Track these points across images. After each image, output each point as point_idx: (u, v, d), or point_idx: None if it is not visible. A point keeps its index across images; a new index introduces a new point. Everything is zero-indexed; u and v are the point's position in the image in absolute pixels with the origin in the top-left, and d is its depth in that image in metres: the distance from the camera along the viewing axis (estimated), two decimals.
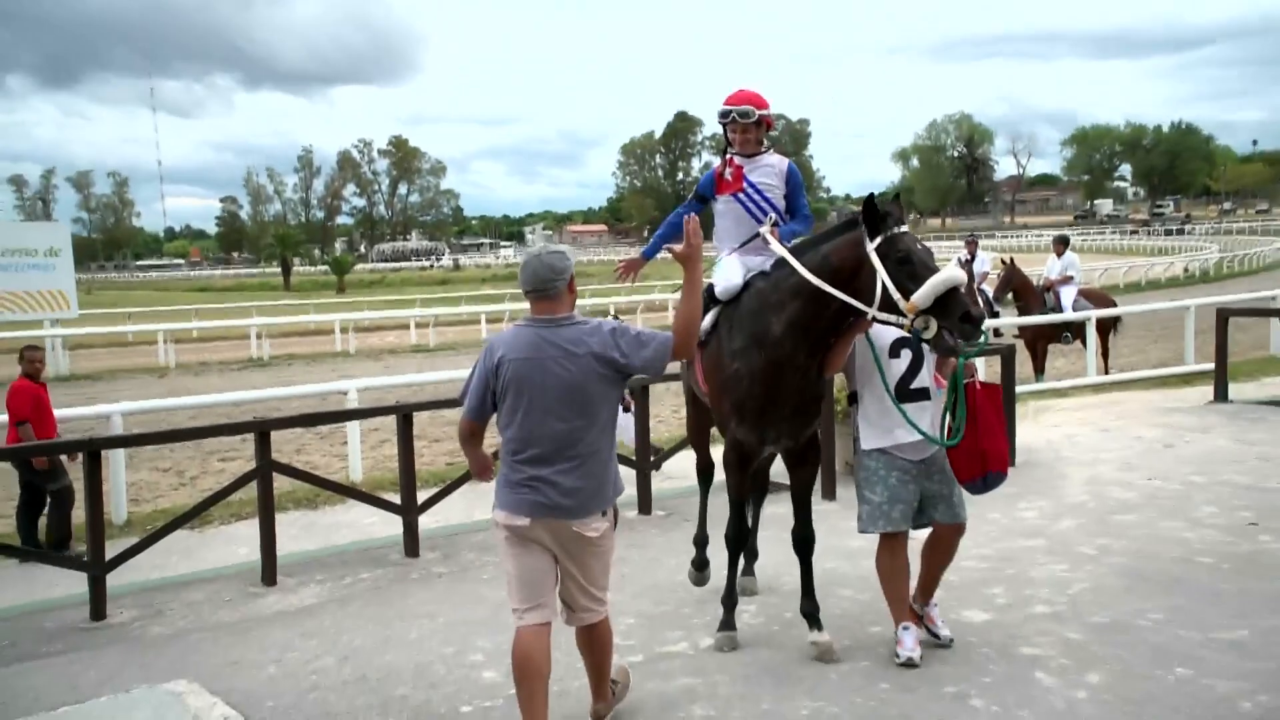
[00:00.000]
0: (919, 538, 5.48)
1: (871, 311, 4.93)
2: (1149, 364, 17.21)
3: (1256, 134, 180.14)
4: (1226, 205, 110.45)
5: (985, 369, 11.75)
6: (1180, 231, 76.16)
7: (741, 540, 5.68)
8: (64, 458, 8.53)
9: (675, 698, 5.03)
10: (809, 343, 5.18)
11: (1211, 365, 13.17)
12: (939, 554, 5.47)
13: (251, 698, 5.25)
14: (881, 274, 4.85)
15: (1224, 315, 13.23)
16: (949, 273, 4.81)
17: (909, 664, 5.24)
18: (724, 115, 5.74)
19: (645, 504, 8.64)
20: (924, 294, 4.72)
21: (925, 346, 5.14)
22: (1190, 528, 7.48)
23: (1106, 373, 15.71)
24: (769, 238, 5.52)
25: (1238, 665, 5.18)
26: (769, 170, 5.82)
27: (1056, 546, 7.12)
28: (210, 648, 6.03)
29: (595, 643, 4.61)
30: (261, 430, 7.38)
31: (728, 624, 5.63)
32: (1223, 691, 4.91)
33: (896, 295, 4.80)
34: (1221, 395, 12.65)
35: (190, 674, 5.53)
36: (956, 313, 4.71)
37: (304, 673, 5.54)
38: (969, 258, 16.96)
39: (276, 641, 6.04)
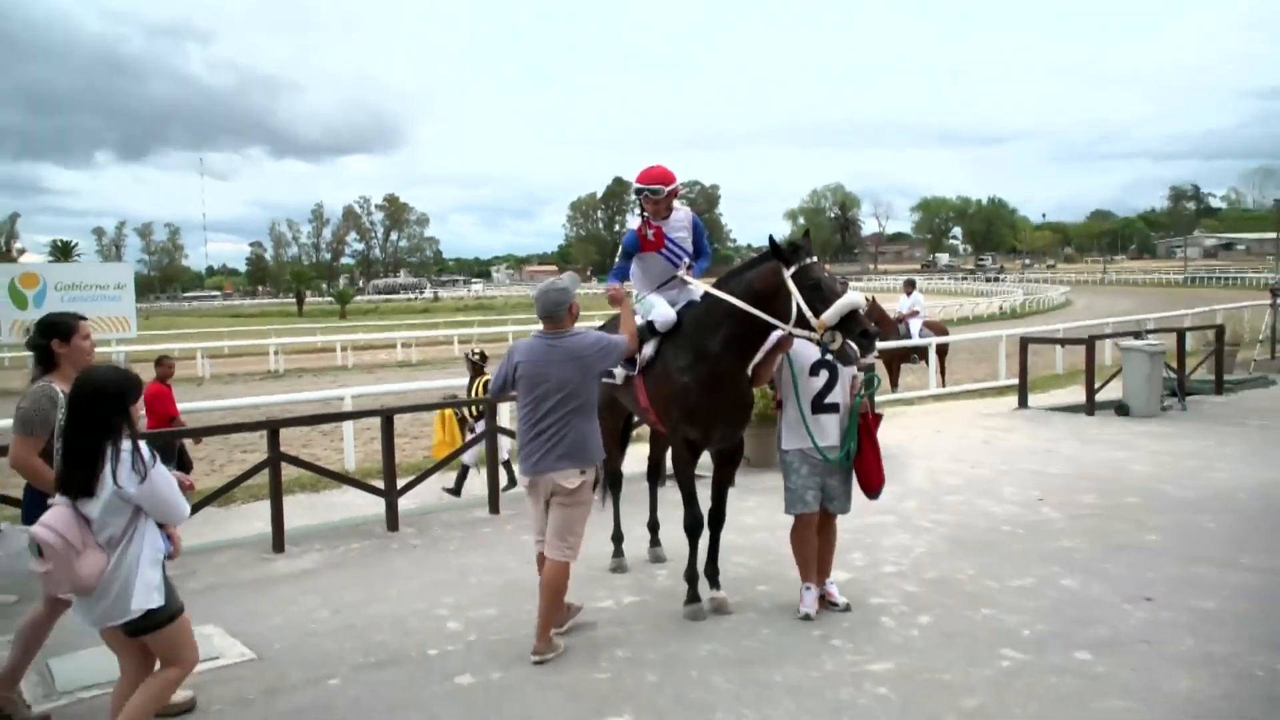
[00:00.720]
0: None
1: (788, 328, 4.89)
2: (973, 379, 17.57)
3: (1046, 209, 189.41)
4: (1026, 261, 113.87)
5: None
6: (996, 279, 78.14)
7: (698, 525, 5.38)
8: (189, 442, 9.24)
9: (601, 643, 5.02)
10: (741, 354, 5.14)
11: (1016, 381, 13.54)
12: (825, 538, 5.41)
13: (263, 640, 5.16)
14: (796, 297, 4.81)
15: (1025, 342, 13.63)
16: (851, 297, 4.81)
17: (806, 618, 5.22)
18: (639, 192, 5.64)
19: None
20: (831, 314, 4.72)
21: (839, 369, 5.13)
22: (997, 504, 7.67)
23: (943, 386, 16.04)
24: (687, 278, 5.52)
25: (1023, 604, 5.36)
26: (681, 225, 5.77)
27: (902, 521, 7.23)
28: (232, 600, 5.92)
29: (548, 582, 4.77)
30: (273, 428, 7.25)
31: (693, 598, 5.38)
32: (1012, 624, 5.08)
33: (809, 314, 4.77)
34: (1023, 403, 12.99)
35: (217, 620, 5.43)
36: (856, 330, 4.74)
37: (304, 621, 5.45)
38: None
39: (283, 596, 5.93)
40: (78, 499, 3.46)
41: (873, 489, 5.31)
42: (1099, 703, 4.12)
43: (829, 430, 5.19)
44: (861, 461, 5.24)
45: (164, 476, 3.57)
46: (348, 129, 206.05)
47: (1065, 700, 4.16)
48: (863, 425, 5.23)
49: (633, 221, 5.99)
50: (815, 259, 4.95)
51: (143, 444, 3.54)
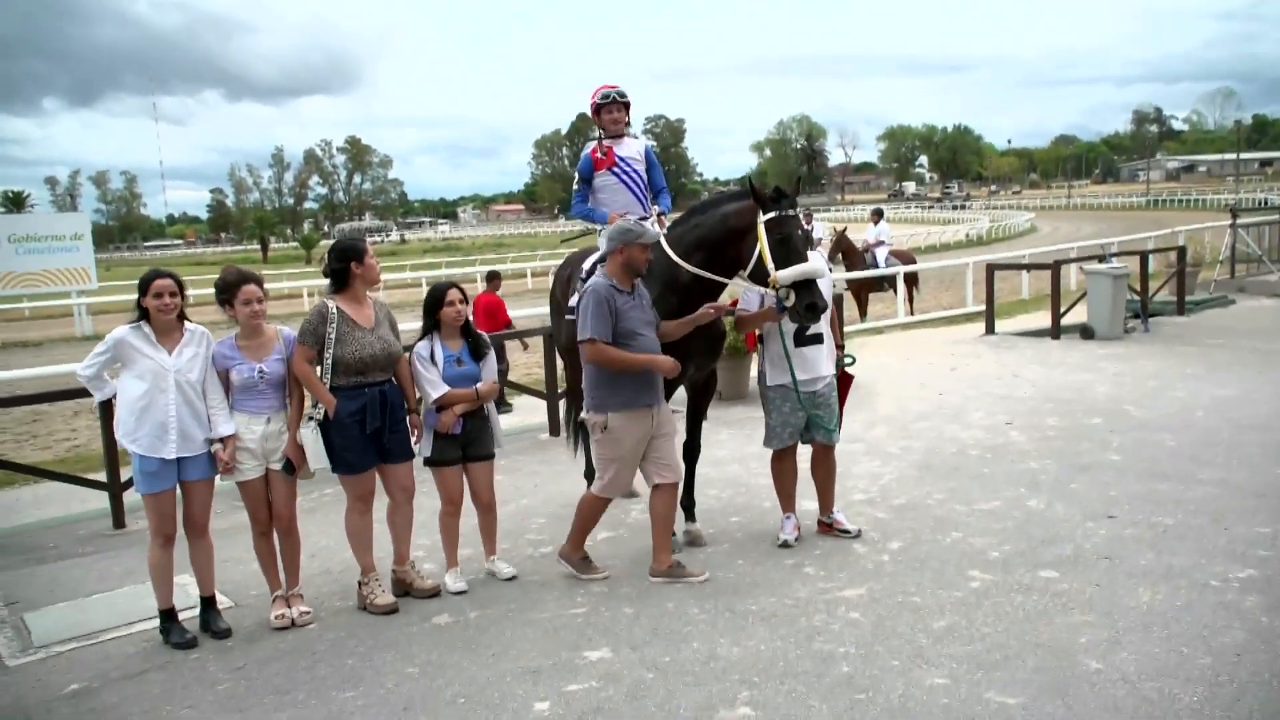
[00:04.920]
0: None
1: (744, 273, 4.83)
2: (940, 307, 17.72)
3: (1011, 135, 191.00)
4: (993, 188, 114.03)
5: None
6: (962, 207, 78.27)
7: (691, 455, 5.48)
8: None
9: (577, 579, 5.03)
10: (710, 285, 5.05)
11: (983, 307, 13.64)
12: (821, 469, 5.46)
13: (239, 587, 5.16)
14: (762, 244, 4.70)
15: (991, 269, 13.69)
16: (814, 265, 4.71)
17: (785, 545, 5.29)
18: (605, 97, 5.74)
19: (554, 428, 8.59)
20: (787, 274, 4.64)
21: (828, 301, 5.04)
22: (964, 429, 7.76)
23: (911, 314, 16.15)
24: (657, 229, 5.33)
25: (990, 526, 5.46)
26: (633, 149, 5.82)
27: (871, 448, 7.29)
28: None
29: (579, 504, 5.06)
30: None
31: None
32: (979, 546, 5.17)
33: (769, 265, 4.68)
34: (990, 329, 13.10)
35: (191, 569, 5.33)
36: (805, 300, 4.68)
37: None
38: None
39: None
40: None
41: None
42: (1063, 618, 4.22)
43: (812, 362, 5.18)
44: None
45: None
46: (304, 70, 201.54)
47: (1031, 617, 4.25)
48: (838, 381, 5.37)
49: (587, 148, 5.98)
50: (794, 211, 4.79)
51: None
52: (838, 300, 9.82)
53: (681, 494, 5.51)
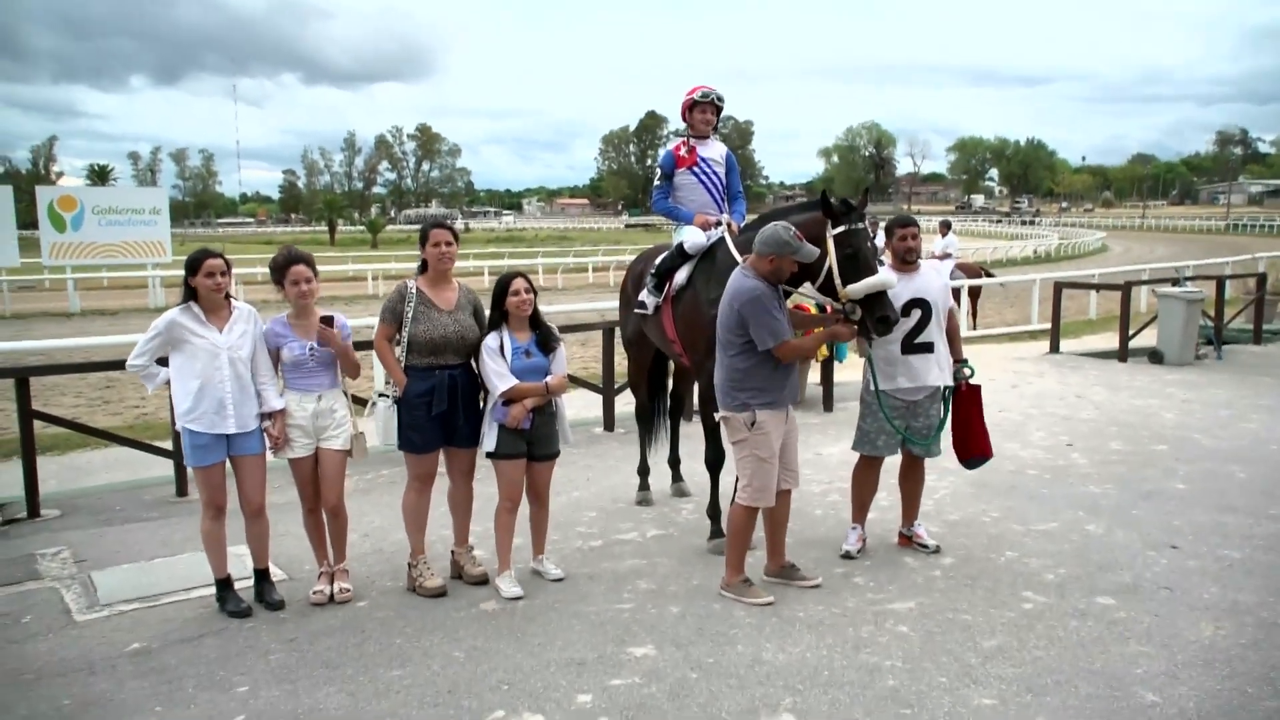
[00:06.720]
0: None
1: (814, 287, 4.76)
2: (1005, 323, 17.35)
3: (1085, 151, 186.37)
4: (1064, 204, 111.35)
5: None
6: (1031, 223, 76.49)
7: (720, 461, 5.38)
8: None
9: (625, 574, 5.05)
10: (776, 289, 4.91)
11: (1048, 325, 13.32)
12: (911, 481, 5.39)
13: (294, 560, 5.27)
14: (831, 259, 4.64)
15: (1059, 287, 13.39)
16: (882, 277, 4.61)
17: (847, 555, 5.23)
18: (704, 96, 5.69)
19: (609, 423, 8.62)
20: (857, 288, 4.56)
21: (934, 307, 5.03)
22: (1024, 447, 7.59)
23: (974, 328, 15.85)
24: (728, 238, 5.34)
25: (1047, 548, 5.33)
26: (715, 150, 5.82)
27: (927, 462, 7.11)
28: None
29: (729, 521, 4.82)
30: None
31: (717, 533, 5.39)
32: (1035, 567, 5.06)
33: (838, 281, 4.62)
34: (1055, 348, 12.80)
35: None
36: (877, 313, 4.58)
37: None
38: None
39: None
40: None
41: (968, 455, 5.30)
42: (1119, 647, 4.10)
43: (920, 371, 5.07)
44: (962, 428, 5.22)
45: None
46: (378, 57, 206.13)
47: (1085, 644, 4.14)
48: (964, 396, 5.20)
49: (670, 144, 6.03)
50: (864, 224, 4.71)
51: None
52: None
53: (709, 504, 5.51)
